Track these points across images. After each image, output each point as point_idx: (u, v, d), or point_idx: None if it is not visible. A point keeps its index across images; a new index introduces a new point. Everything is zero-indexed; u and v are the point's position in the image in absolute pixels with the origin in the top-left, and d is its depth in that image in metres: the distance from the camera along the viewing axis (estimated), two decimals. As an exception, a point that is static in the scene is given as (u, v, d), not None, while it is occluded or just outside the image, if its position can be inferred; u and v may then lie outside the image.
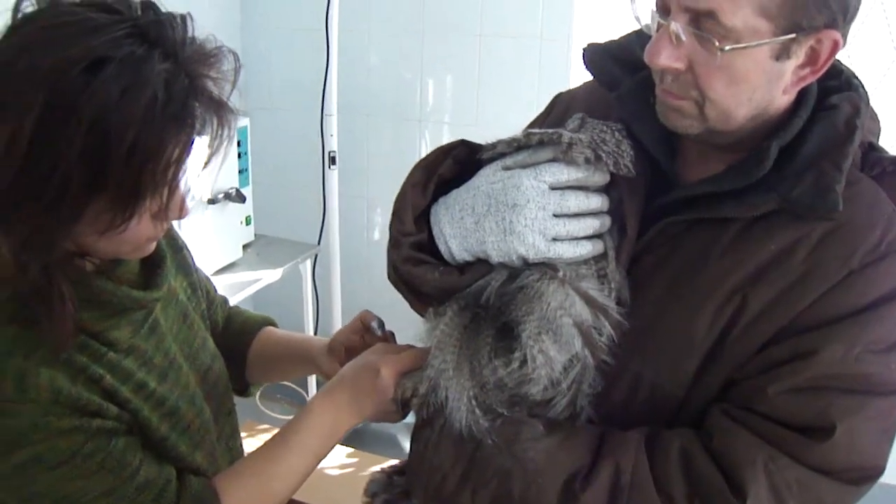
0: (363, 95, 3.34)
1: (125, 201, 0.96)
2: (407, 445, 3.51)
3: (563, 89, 3.05)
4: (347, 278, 3.35)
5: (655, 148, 1.15)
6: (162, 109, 0.93)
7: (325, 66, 3.00)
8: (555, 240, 1.07)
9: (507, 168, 1.11)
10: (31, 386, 0.99)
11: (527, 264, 1.09)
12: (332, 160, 3.11)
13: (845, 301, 1.02)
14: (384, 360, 1.24)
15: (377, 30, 3.28)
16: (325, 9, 2.92)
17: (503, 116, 3.18)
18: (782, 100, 1.08)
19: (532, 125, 1.38)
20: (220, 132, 1.01)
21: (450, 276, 1.12)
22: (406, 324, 3.72)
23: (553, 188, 1.07)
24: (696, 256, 1.09)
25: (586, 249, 1.08)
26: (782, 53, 1.01)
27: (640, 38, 1.18)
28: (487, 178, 1.12)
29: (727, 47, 0.98)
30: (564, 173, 1.08)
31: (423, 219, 1.17)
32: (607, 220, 1.11)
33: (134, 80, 0.92)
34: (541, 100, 3.06)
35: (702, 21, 0.99)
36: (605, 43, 1.27)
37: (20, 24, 0.97)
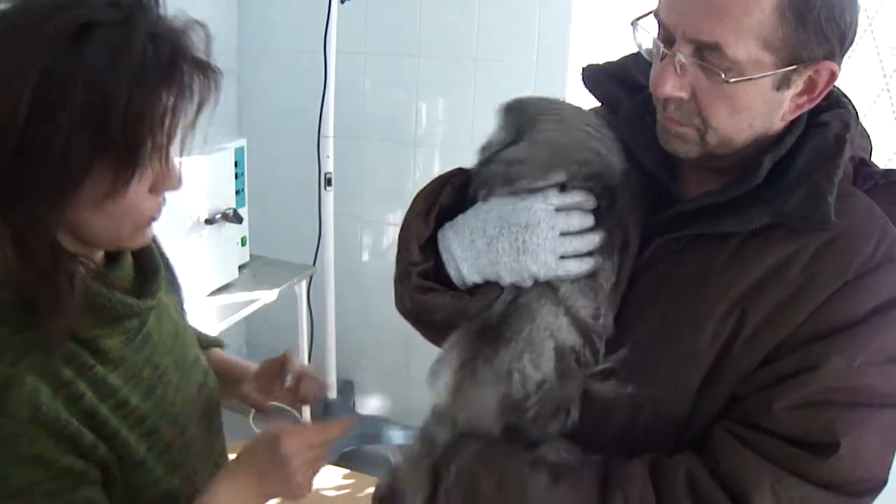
0: (359, 118, 3.36)
1: (126, 161, 0.98)
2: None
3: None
4: (342, 299, 3.36)
5: (657, 168, 1.17)
6: (153, 66, 0.97)
7: (322, 88, 3.01)
8: (562, 257, 1.09)
9: (513, 193, 1.13)
10: (11, 399, 0.98)
11: (535, 283, 1.11)
12: (328, 181, 3.13)
13: (842, 312, 1.03)
14: (285, 431, 1.18)
15: (374, 53, 3.30)
16: (324, 32, 2.94)
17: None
18: (779, 125, 1.10)
19: None
20: (207, 85, 1.04)
21: (460, 300, 1.14)
22: (399, 346, 3.73)
23: (558, 210, 1.11)
24: (696, 273, 1.10)
25: (590, 265, 1.11)
26: (783, 84, 1.04)
27: (636, 60, 1.21)
28: (498, 203, 1.13)
29: (732, 80, 1.01)
30: (569, 197, 1.11)
31: (428, 247, 1.18)
32: (599, 236, 1.13)
33: (122, 42, 0.95)
34: (536, 124, 3.11)
35: (706, 52, 1.02)
36: (603, 64, 1.30)
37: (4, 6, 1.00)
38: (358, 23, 3.19)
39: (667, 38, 1.06)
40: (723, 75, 1.01)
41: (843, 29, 1.03)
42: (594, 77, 1.28)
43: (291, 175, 3.43)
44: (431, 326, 1.21)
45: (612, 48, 3.08)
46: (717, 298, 1.08)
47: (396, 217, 3.51)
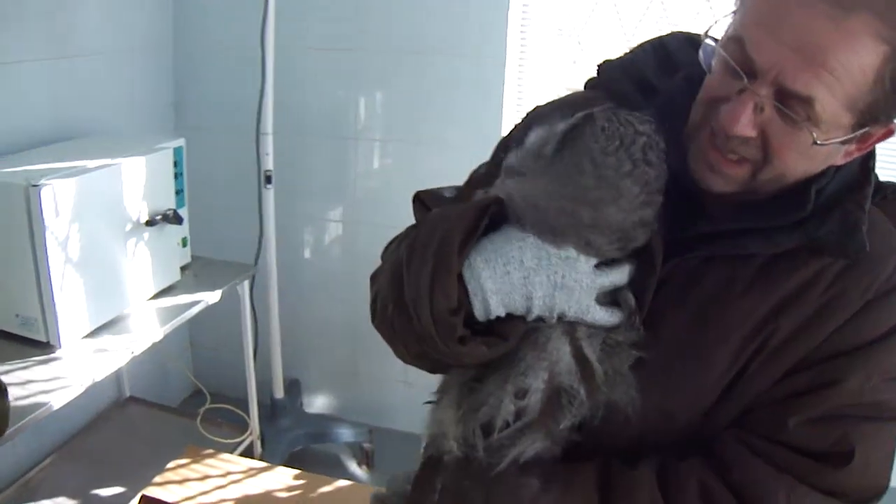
0: (298, 114, 3.32)
1: None
2: (349, 465, 3.49)
3: (498, 106, 3.11)
4: (285, 298, 3.33)
5: (684, 175, 1.09)
6: None
7: (260, 84, 2.97)
8: (595, 301, 1.03)
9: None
10: None
11: (559, 319, 1.04)
12: (268, 179, 3.09)
13: (865, 331, 1.04)
14: None
15: (312, 48, 3.27)
16: (261, 27, 2.89)
17: (439, 134, 3.21)
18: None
19: (506, 140, 1.28)
20: None
21: (497, 348, 1.04)
22: (345, 343, 3.72)
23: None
24: (716, 293, 1.07)
25: (617, 318, 1.05)
26: (849, 140, 1.01)
27: (646, 55, 1.18)
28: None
29: (820, 140, 0.97)
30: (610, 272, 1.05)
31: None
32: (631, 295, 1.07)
33: None
34: (477, 116, 3.12)
35: (790, 101, 0.97)
36: (621, 60, 1.23)
37: None
38: (295, 17, 3.16)
39: (747, 69, 0.98)
40: (814, 136, 0.97)
41: None
42: (615, 78, 1.20)
43: (231, 173, 3.39)
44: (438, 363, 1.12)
45: (550, 41, 3.12)
46: (740, 320, 1.06)
47: (337, 213, 3.49)
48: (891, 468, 1.07)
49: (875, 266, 1.06)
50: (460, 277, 1.02)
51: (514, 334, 1.03)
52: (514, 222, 1.03)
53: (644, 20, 3.08)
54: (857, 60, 0.93)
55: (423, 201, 1.29)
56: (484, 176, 1.24)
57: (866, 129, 1.00)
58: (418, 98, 3.23)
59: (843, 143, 1.01)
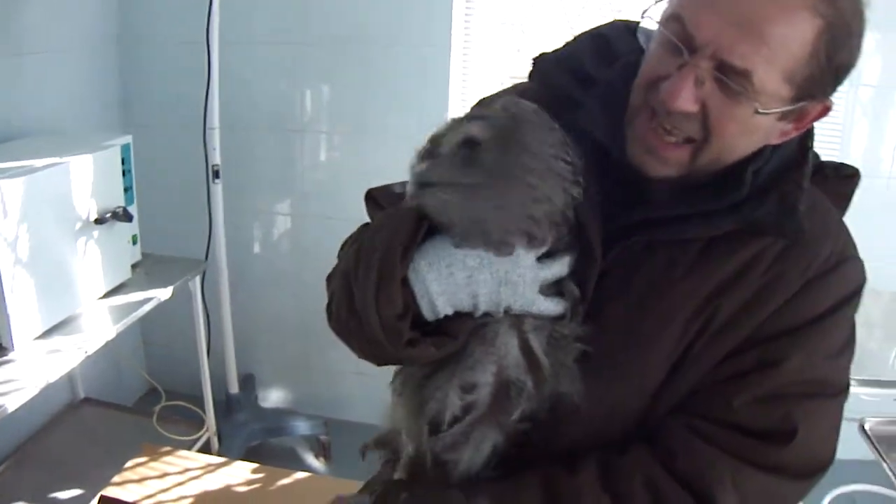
0: (245, 108, 3.31)
1: None
2: (307, 457, 3.49)
3: (444, 94, 3.13)
4: (237, 293, 3.32)
5: (625, 162, 1.12)
6: None
7: (206, 79, 2.96)
8: (540, 293, 1.05)
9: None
10: None
11: (505, 313, 1.05)
12: (216, 174, 3.08)
13: (805, 310, 1.06)
14: None
15: (258, 41, 3.26)
16: (206, 22, 2.88)
17: (384, 123, 3.22)
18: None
19: None
20: None
21: (445, 347, 1.05)
22: (297, 336, 3.71)
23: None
24: (658, 277, 1.09)
25: (562, 307, 1.06)
26: (787, 116, 1.04)
27: (584, 46, 1.19)
28: None
29: (762, 110, 0.99)
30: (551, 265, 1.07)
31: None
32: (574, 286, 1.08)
33: None
34: (423, 105, 3.14)
35: (729, 74, 0.99)
36: (557, 53, 1.23)
37: None
38: (241, 12, 3.14)
39: (688, 42, 1.00)
40: (757, 106, 0.99)
41: (848, 73, 1.03)
42: (549, 71, 1.21)
43: (179, 169, 3.36)
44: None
45: (494, 29, 3.14)
46: (681, 302, 1.07)
47: (286, 207, 3.48)
48: (834, 443, 1.09)
49: (814, 246, 1.08)
50: (406, 281, 1.03)
51: (463, 332, 1.04)
52: (447, 233, 1.04)
53: (587, 7, 3.11)
54: (793, 34, 0.97)
55: (375, 199, 1.29)
56: None
57: (804, 103, 1.02)
58: (364, 89, 3.24)
59: (783, 115, 1.03)
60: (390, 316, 1.02)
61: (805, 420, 1.04)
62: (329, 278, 1.23)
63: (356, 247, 1.09)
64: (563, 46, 1.24)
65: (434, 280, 1.02)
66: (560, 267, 1.05)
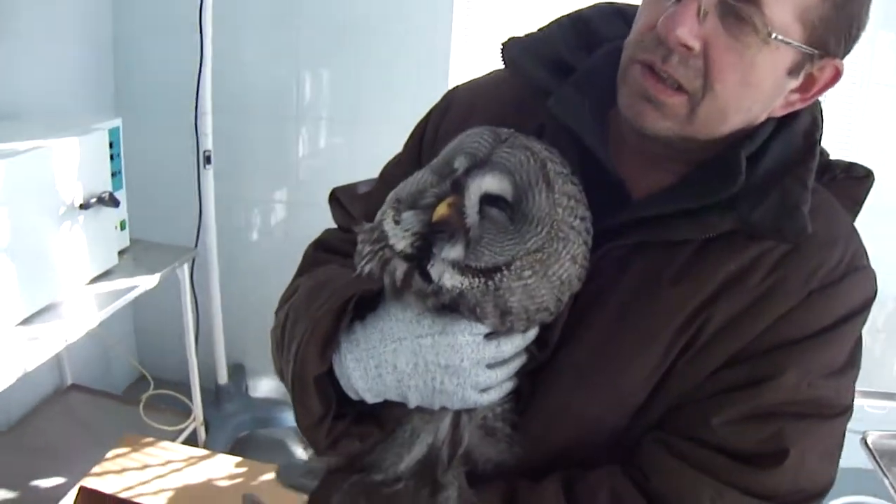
0: (238, 93, 3.25)
1: None
2: (295, 449, 3.45)
3: (444, 81, 3.07)
4: (226, 281, 3.28)
5: (605, 157, 1.02)
6: None
7: (198, 63, 2.91)
8: (483, 391, 0.96)
9: (432, 309, 0.94)
10: None
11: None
12: (208, 160, 3.04)
13: (805, 323, 0.96)
14: None
15: (252, 25, 3.20)
16: (199, 4, 2.83)
17: (384, 111, 3.16)
18: (763, 119, 1.00)
19: (422, 128, 1.22)
20: None
21: (371, 438, 1.00)
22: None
23: (488, 336, 0.94)
24: (646, 282, 0.99)
25: (510, 386, 0.98)
26: (796, 69, 0.94)
27: (562, 31, 1.11)
28: (411, 330, 0.94)
29: (773, 37, 0.89)
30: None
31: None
32: (532, 334, 0.98)
33: None
34: (422, 93, 3.05)
35: (738, 4, 0.89)
36: (527, 39, 1.13)
37: None
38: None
39: None
40: (767, 30, 0.89)
41: (858, 35, 0.95)
42: (517, 58, 1.11)
43: (170, 154, 3.31)
44: None
45: (497, 16, 3.08)
46: (667, 317, 0.97)
47: (282, 195, 3.44)
48: (832, 468, 0.99)
49: (819, 252, 0.97)
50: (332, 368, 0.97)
51: (392, 422, 1.00)
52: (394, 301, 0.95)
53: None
54: None
55: (339, 200, 1.23)
56: (395, 167, 1.21)
57: (815, 51, 0.93)
58: (361, 75, 3.18)
59: (792, 69, 0.94)
60: (308, 425, 0.99)
61: (798, 442, 0.94)
62: (276, 312, 1.16)
63: (279, 329, 1.06)
64: (537, 31, 1.14)
65: (360, 378, 0.96)
66: (510, 346, 0.95)
